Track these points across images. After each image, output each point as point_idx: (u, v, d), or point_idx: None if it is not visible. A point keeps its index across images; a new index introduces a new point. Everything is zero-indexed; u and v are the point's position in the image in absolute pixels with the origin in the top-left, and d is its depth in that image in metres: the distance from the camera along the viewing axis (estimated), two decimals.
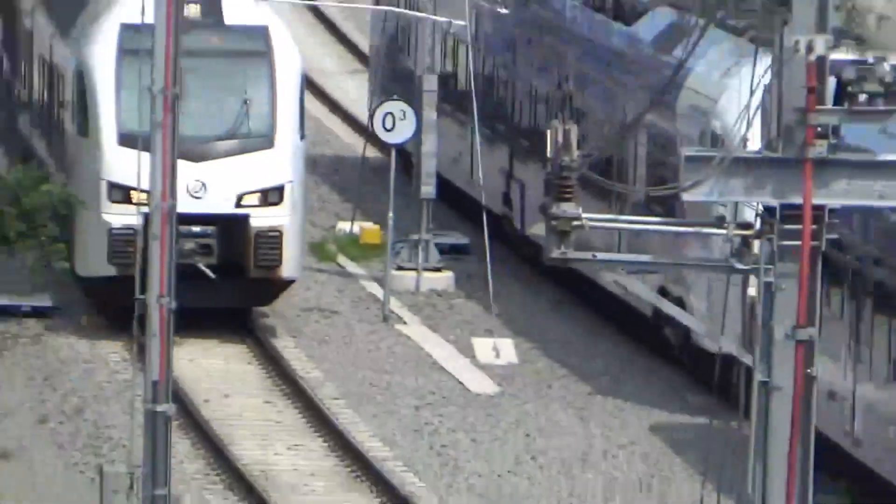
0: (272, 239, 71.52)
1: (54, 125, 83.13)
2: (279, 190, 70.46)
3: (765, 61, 74.90)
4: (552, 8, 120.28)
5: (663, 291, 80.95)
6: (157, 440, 60.76)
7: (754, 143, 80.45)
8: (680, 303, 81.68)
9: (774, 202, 36.20)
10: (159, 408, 60.06)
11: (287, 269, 75.89)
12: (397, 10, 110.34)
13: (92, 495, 62.39)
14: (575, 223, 42.35)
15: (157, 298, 59.32)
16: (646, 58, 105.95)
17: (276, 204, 70.81)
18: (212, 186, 70.39)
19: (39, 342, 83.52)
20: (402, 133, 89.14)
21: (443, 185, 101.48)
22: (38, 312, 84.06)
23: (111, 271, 72.14)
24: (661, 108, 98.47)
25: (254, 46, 70.73)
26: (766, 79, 78.33)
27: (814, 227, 34.85)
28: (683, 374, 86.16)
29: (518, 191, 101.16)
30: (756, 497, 36.11)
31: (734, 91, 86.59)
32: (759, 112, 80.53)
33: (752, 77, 59.87)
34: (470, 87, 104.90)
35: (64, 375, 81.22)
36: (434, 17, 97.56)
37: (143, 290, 56.26)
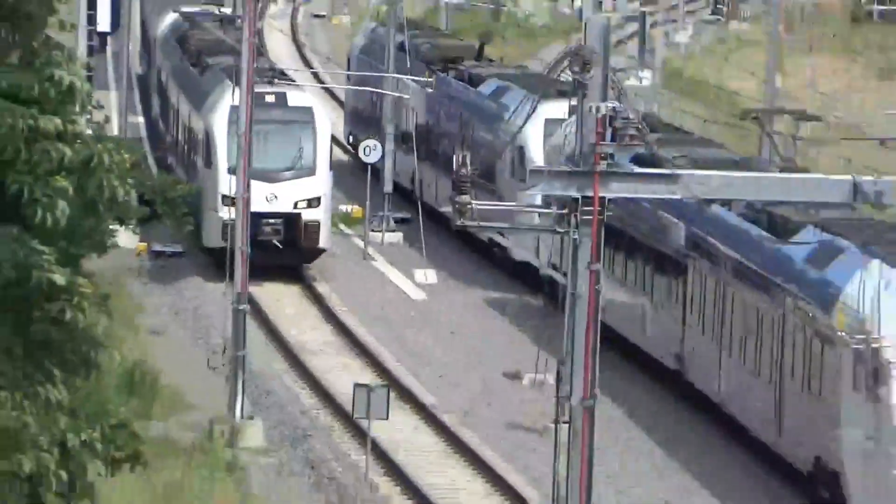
0: (314, 226, 76.74)
1: (190, 161, 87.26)
2: (318, 199, 75.66)
3: (545, 107, 77.84)
4: (444, 83, 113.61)
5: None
6: (238, 325, 68.55)
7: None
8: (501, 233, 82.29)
9: (578, 195, 39.41)
10: (240, 307, 67.99)
11: (322, 243, 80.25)
12: (371, 89, 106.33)
13: (202, 354, 69.51)
14: (468, 206, 45.88)
15: (240, 246, 64.90)
16: (486, 105, 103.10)
17: (315, 207, 75.81)
18: (280, 196, 75.68)
19: (175, 270, 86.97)
20: (374, 156, 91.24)
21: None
22: (174, 254, 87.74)
23: (222, 243, 73.60)
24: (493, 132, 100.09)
25: (304, 118, 75.93)
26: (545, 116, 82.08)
27: (599, 209, 38.26)
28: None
29: (419, 176, 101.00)
30: (567, 358, 38.64)
31: (530, 124, 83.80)
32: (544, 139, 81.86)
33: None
34: (409, 128, 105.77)
35: (189, 289, 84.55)
36: (393, 93, 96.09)
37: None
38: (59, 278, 26.62)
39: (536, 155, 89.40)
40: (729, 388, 66.59)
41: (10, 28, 27.80)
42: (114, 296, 42.39)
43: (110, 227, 31.83)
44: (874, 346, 55.25)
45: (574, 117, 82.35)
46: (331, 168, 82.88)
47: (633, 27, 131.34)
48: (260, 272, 76.39)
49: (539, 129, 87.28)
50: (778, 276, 64.19)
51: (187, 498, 55.50)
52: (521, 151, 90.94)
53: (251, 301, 74.23)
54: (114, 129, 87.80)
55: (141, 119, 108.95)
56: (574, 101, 46.23)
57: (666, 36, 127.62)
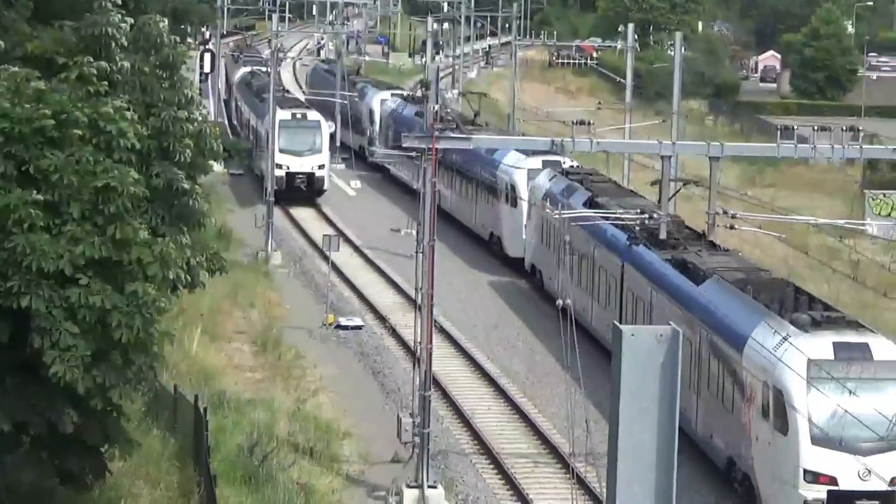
0: (321, 179, 69.29)
1: (255, 144, 77.76)
2: (322, 165, 68.06)
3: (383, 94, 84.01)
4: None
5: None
6: (269, 208, 60.60)
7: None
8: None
9: (425, 146, 33.12)
10: (269, 199, 60.50)
11: (325, 186, 70.94)
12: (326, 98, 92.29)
13: (253, 220, 61.91)
14: (374, 151, 45.68)
15: (270, 179, 62.21)
16: (359, 95, 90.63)
17: (322, 169, 68.27)
18: (304, 163, 67.81)
19: (241, 184, 78.55)
20: (331, 129, 78.50)
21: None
22: (238, 174, 78.51)
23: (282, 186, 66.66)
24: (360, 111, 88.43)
25: (315, 125, 66.90)
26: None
27: (437, 154, 35.27)
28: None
29: (350, 137, 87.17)
30: (422, 220, 35.66)
31: (375, 102, 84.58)
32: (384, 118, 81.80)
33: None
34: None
35: (248, 193, 75.75)
36: (329, 99, 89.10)
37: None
38: (185, 185, 26.12)
39: (377, 118, 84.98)
40: (460, 210, 64.95)
41: (163, 70, 27.22)
42: (211, 194, 41.29)
43: (209, 161, 31.51)
44: (511, 183, 56.82)
45: (392, 98, 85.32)
46: (329, 148, 75.59)
47: (449, 69, 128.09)
48: (292, 201, 70.44)
49: (378, 104, 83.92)
50: (479, 165, 61.59)
51: (246, 286, 52.94)
52: (371, 115, 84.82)
53: (283, 208, 69.55)
54: (210, 119, 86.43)
55: (223, 119, 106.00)
56: (419, 94, 46.85)
57: (464, 73, 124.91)
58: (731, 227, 38.50)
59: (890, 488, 28.67)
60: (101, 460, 25.92)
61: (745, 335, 30.93)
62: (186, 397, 34.56)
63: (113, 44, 24.78)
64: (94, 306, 21.75)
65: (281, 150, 66.07)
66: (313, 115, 76.69)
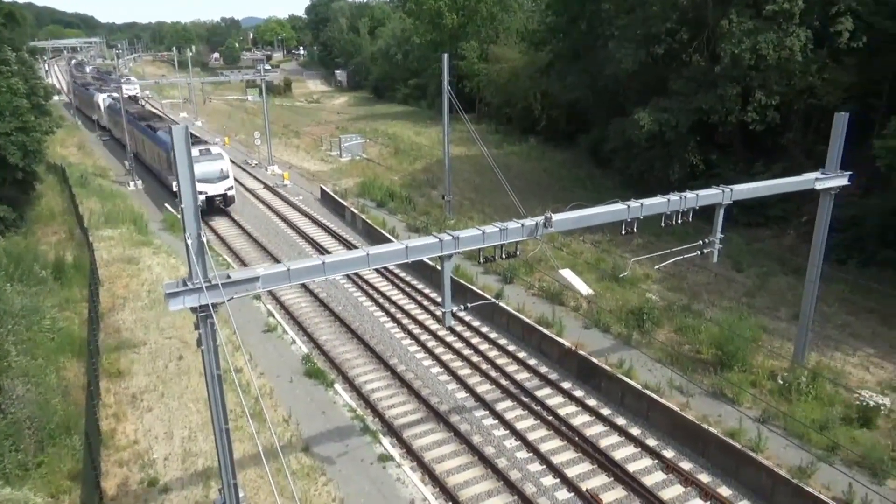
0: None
1: (136, 141, 54.91)
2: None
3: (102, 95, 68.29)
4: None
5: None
6: (75, 116, 66.46)
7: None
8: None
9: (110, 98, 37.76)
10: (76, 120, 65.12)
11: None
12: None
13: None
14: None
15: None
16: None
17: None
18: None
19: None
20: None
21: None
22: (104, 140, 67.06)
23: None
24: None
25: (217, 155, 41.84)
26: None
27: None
28: None
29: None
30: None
31: (101, 98, 70.48)
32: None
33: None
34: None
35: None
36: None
37: None
38: (43, 102, 37.47)
39: (101, 106, 71.00)
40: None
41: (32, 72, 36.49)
42: (54, 107, 48.08)
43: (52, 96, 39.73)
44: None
45: (108, 96, 70.33)
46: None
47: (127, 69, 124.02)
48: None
49: (101, 99, 72.37)
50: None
51: (69, 131, 63.65)
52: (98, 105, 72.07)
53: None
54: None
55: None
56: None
57: (129, 67, 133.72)
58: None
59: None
60: (33, 184, 38.84)
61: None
62: (57, 165, 51.01)
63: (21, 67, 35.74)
64: (19, 140, 33.84)
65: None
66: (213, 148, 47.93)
